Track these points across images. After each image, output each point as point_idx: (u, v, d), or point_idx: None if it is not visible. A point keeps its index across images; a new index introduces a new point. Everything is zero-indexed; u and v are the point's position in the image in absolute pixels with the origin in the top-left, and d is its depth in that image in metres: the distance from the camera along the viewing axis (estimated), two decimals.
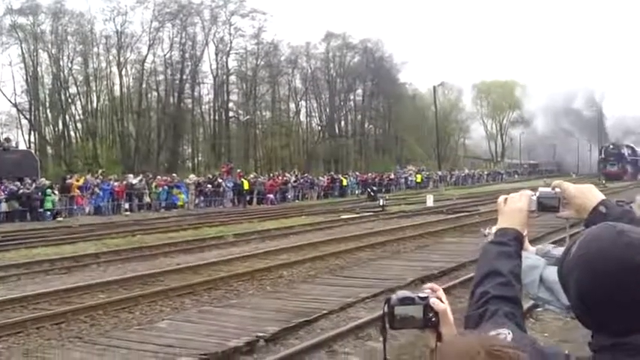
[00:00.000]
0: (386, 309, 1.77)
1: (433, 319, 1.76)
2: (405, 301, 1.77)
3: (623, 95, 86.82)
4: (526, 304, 2.31)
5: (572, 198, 2.14)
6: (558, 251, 2.35)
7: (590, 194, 2.12)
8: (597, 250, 1.56)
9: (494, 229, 2.19)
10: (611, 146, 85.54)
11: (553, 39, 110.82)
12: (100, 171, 42.15)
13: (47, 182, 35.19)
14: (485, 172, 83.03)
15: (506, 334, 1.67)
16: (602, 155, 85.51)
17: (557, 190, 2.17)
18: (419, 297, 1.77)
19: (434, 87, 76.14)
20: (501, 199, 2.16)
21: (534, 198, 2.15)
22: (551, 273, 2.20)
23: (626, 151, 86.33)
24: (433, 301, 1.77)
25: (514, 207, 2.11)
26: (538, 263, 2.26)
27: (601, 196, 2.12)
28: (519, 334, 1.70)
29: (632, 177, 79.25)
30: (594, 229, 1.65)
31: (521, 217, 2.09)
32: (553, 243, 2.59)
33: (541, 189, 2.19)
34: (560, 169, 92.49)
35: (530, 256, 2.27)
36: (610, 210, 2.05)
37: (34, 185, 33.56)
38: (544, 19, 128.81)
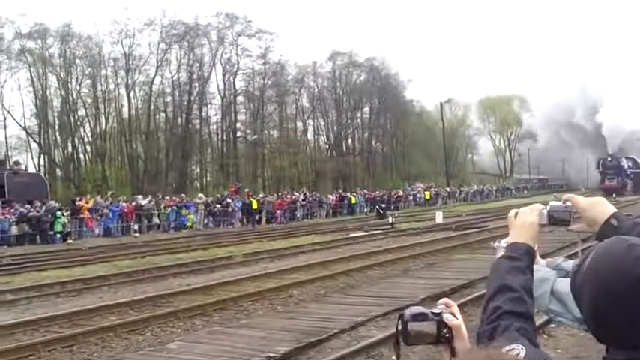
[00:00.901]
0: (399, 325, 1.76)
1: (447, 335, 1.75)
2: (418, 317, 1.76)
3: (621, 104, 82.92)
4: (539, 320, 2.31)
5: (583, 211, 2.12)
6: (568, 264, 2.32)
7: (601, 207, 2.10)
8: (608, 264, 1.56)
9: (503, 241, 2.19)
10: (609, 159, 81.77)
11: (553, 51, 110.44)
12: (109, 193, 42.30)
13: (57, 205, 35.34)
14: (494, 188, 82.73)
15: (519, 349, 1.66)
16: (600, 168, 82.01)
17: (568, 203, 2.15)
18: (432, 312, 1.76)
19: (440, 104, 76.33)
20: (512, 213, 2.15)
21: (545, 212, 2.14)
22: (563, 285, 2.17)
23: (625, 164, 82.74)
24: (447, 316, 1.76)
25: (525, 221, 2.10)
26: (549, 275, 2.22)
27: (612, 209, 2.10)
28: (532, 350, 1.69)
29: (635, 191, 75.32)
30: (605, 242, 1.65)
31: (532, 231, 2.08)
32: (567, 257, 2.57)
33: (552, 203, 2.19)
34: (568, 183, 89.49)
35: (541, 268, 2.26)
36: (621, 223, 2.04)
37: (44, 208, 33.70)
38: (544, 33, 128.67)
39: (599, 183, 79.43)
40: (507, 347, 1.67)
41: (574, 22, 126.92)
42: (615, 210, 2.11)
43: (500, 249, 2.18)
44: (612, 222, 2.05)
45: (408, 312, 1.77)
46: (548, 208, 2.16)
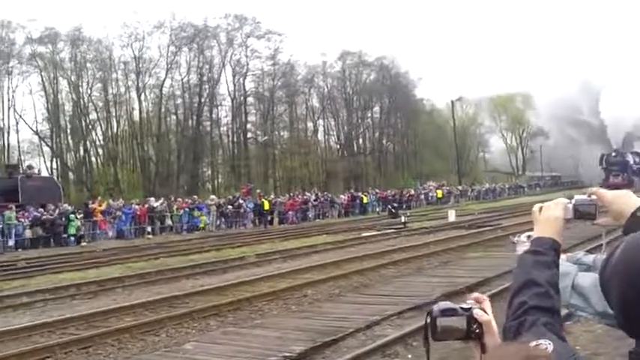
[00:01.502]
0: (428, 320, 1.74)
1: (477, 331, 1.74)
2: (447, 312, 1.74)
3: (622, 95, 77.89)
4: None
5: (609, 204, 2.11)
6: (589, 258, 2.36)
7: (627, 200, 2.09)
8: (637, 257, 1.54)
9: (523, 236, 2.20)
10: (613, 154, 77.49)
11: (554, 46, 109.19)
12: (122, 196, 42.49)
13: (70, 208, 35.50)
14: (507, 186, 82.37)
15: (546, 344, 1.65)
16: (604, 164, 77.70)
17: (594, 197, 2.14)
18: (462, 308, 1.75)
19: (452, 102, 76.09)
20: (536, 207, 2.14)
21: (570, 206, 2.13)
22: (584, 280, 2.21)
23: (631, 159, 78.76)
24: (477, 311, 1.74)
25: (550, 215, 2.09)
26: (570, 270, 2.24)
27: (639, 202, 2.08)
28: (560, 345, 1.68)
29: None
30: (634, 235, 1.63)
31: (557, 225, 2.06)
32: (588, 251, 2.58)
33: (577, 196, 2.18)
34: (581, 180, 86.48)
35: (562, 263, 2.25)
36: None
37: (57, 211, 33.86)
38: (547, 28, 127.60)
39: (603, 180, 73.19)
40: (534, 342, 1.66)
41: (574, 15, 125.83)
42: None
43: (521, 243, 2.19)
44: (639, 214, 2.03)
45: (436, 307, 1.76)
46: (573, 201, 2.15)
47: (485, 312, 1.76)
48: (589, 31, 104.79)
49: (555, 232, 2.05)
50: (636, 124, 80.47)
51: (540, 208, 2.13)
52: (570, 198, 2.19)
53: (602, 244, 2.42)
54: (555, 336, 1.74)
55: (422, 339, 1.77)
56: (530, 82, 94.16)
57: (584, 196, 2.17)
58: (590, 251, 2.78)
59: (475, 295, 1.85)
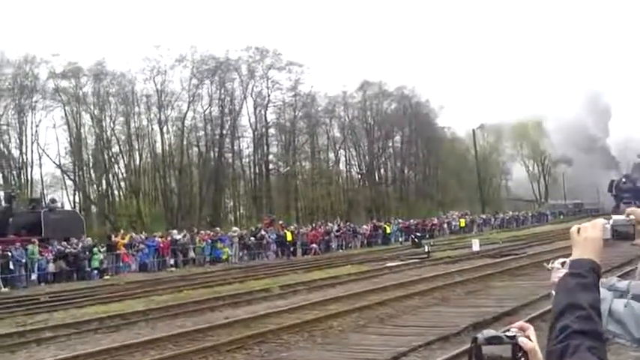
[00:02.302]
0: (473, 349, 1.73)
1: (522, 358, 1.72)
2: (493, 341, 1.73)
3: (630, 117, 75.80)
4: None
5: None
6: (623, 284, 2.33)
7: None
8: None
9: (557, 262, 2.21)
10: (623, 180, 74.78)
11: (568, 72, 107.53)
12: (144, 229, 42.63)
13: (91, 241, 35.58)
14: (530, 214, 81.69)
15: None
16: (614, 192, 74.98)
17: (632, 217, 2.12)
18: (507, 336, 1.73)
19: (473, 130, 75.92)
20: (574, 228, 2.11)
21: (608, 226, 2.10)
22: (619, 306, 2.20)
23: None
24: (522, 339, 1.72)
25: (588, 236, 2.05)
26: (606, 296, 2.20)
27: None
28: None
29: None
30: None
31: (596, 246, 2.03)
32: (629, 271, 2.53)
33: (615, 217, 2.15)
34: (604, 207, 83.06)
35: None
36: None
37: (80, 245, 33.96)
38: (563, 54, 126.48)
39: (614, 208, 69.41)
40: None
41: (584, 37, 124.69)
42: None
43: (556, 270, 2.18)
44: None
45: (481, 335, 1.74)
46: (611, 222, 2.12)
47: (530, 340, 1.74)
48: (597, 54, 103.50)
49: (594, 253, 2.02)
50: None
51: (578, 230, 2.09)
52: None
53: (638, 267, 2.45)
54: None
55: None
56: (542, 108, 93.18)
57: (622, 217, 2.15)
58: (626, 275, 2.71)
59: (519, 323, 1.83)
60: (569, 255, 2.11)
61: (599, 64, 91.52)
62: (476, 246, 38.00)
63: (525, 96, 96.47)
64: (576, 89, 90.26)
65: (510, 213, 77.79)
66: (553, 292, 2.06)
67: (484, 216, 70.53)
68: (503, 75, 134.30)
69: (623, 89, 78.87)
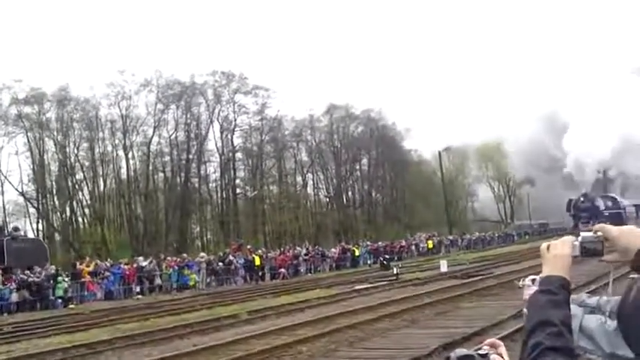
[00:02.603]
0: None
1: None
2: (465, 359, 1.74)
3: (587, 134, 73.73)
4: None
5: (615, 241, 2.10)
6: (593, 300, 2.32)
7: (634, 236, 2.08)
8: None
9: (527, 280, 2.20)
10: (581, 199, 72.72)
11: (526, 93, 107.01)
12: (109, 256, 42.09)
13: (54, 269, 34.94)
14: (496, 235, 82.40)
15: None
16: (572, 211, 73.02)
17: (600, 233, 2.13)
18: (479, 354, 1.75)
19: (439, 152, 76.53)
20: (544, 246, 2.14)
21: (577, 243, 2.13)
22: (591, 321, 2.20)
23: (602, 204, 73.30)
24: (494, 357, 1.75)
25: (558, 253, 2.08)
26: (577, 312, 2.20)
27: None
28: None
29: None
30: None
31: (565, 263, 2.06)
32: (596, 288, 2.55)
33: (583, 234, 2.17)
34: (568, 227, 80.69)
35: None
36: None
37: (43, 273, 33.34)
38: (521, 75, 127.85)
39: (572, 228, 68.31)
40: None
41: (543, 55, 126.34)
42: None
43: (527, 287, 2.18)
44: None
45: (454, 355, 1.75)
46: (580, 239, 2.14)
47: (502, 357, 1.77)
48: (554, 72, 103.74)
49: (564, 270, 2.05)
50: (605, 164, 77.37)
51: (548, 247, 2.12)
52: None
53: (609, 282, 2.47)
54: None
55: None
56: (502, 130, 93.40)
57: (590, 234, 2.16)
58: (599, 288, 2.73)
59: (491, 340, 1.87)
60: (539, 272, 2.12)
61: (555, 83, 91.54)
62: (444, 267, 38.15)
63: (487, 118, 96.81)
64: (533, 109, 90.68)
65: (477, 234, 78.42)
66: (525, 309, 2.05)
67: (451, 237, 70.96)
68: (467, 97, 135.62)
69: (579, 107, 78.88)
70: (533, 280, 2.15)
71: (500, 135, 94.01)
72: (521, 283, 2.25)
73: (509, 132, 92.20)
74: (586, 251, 2.13)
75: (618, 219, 64.52)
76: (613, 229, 2.13)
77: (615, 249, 2.11)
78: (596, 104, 76.18)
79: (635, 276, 1.87)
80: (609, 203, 73.08)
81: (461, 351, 1.77)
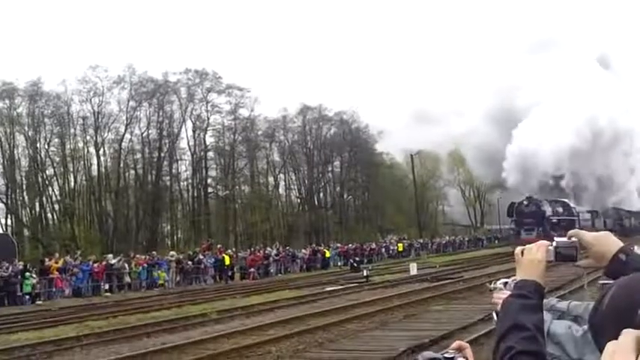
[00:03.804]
0: None
1: None
2: None
3: (533, 130, 65.45)
4: None
5: (590, 246, 2.13)
6: (563, 305, 2.37)
7: (608, 242, 2.11)
8: (628, 302, 1.52)
9: (499, 283, 2.20)
10: (525, 202, 59.85)
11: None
12: (78, 252, 41.70)
13: (21, 265, 34.53)
14: (466, 239, 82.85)
15: None
16: (514, 216, 60.76)
17: (574, 239, 2.16)
18: (445, 357, 1.76)
19: (411, 156, 76.71)
20: (518, 250, 2.15)
21: (551, 248, 2.15)
22: (559, 327, 2.22)
23: (549, 209, 60.67)
24: None
25: (532, 258, 2.10)
26: (546, 317, 2.18)
27: (619, 243, 2.10)
28: None
29: None
30: (624, 279, 1.63)
31: (539, 268, 2.08)
32: (569, 292, 2.58)
33: (557, 239, 2.19)
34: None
35: None
36: (630, 257, 2.04)
37: (10, 268, 32.93)
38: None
39: (514, 235, 59.50)
40: None
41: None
42: (622, 244, 2.11)
43: (498, 290, 2.19)
44: (621, 256, 2.05)
45: (421, 358, 1.76)
46: (554, 244, 2.16)
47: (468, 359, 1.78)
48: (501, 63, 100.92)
49: (538, 274, 2.06)
50: (556, 165, 67.50)
51: (522, 251, 2.13)
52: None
53: (583, 285, 2.47)
54: None
55: None
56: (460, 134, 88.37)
57: (565, 239, 2.19)
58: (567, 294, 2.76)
59: (457, 342, 1.87)
60: (510, 276, 2.15)
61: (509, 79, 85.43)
62: (413, 270, 38.39)
63: (454, 121, 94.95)
64: (485, 109, 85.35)
65: (447, 238, 78.78)
66: (494, 313, 2.08)
67: (421, 240, 71.29)
68: (438, 100, 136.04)
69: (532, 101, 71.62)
70: (505, 284, 2.15)
71: (456, 139, 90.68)
72: (492, 285, 2.25)
73: (464, 136, 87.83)
74: (560, 256, 2.15)
75: (570, 227, 51.56)
76: (587, 235, 2.16)
77: (589, 255, 2.14)
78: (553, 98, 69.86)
79: (608, 282, 1.85)
80: (559, 209, 62.67)
81: (428, 354, 1.78)
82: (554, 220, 59.03)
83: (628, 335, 1.31)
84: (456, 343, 1.85)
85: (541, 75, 73.95)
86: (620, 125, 73.20)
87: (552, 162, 66.70)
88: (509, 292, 2.06)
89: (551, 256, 2.14)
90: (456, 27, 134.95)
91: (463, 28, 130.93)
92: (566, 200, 65.64)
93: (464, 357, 1.77)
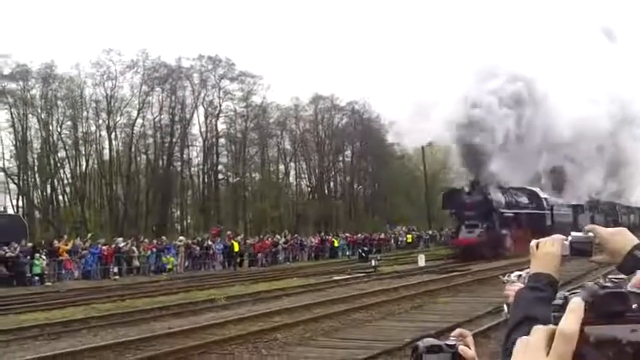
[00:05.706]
0: (413, 357, 1.75)
1: None
2: (433, 349, 1.75)
3: None
4: None
5: (605, 242, 2.12)
6: (560, 294, 2.34)
7: (624, 238, 2.11)
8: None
9: (513, 275, 2.26)
10: (466, 190, 45.77)
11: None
12: (88, 235, 41.90)
13: (30, 245, 34.72)
14: None
15: None
16: (452, 209, 48.27)
17: (590, 234, 2.16)
18: (447, 344, 1.76)
19: (422, 147, 76.37)
20: (534, 243, 2.16)
21: (567, 242, 2.15)
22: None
23: (500, 199, 46.23)
24: (462, 348, 1.75)
25: (547, 251, 2.11)
26: None
27: (635, 240, 2.09)
28: None
29: (517, 248, 37.57)
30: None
31: (554, 261, 2.09)
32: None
33: (573, 233, 2.20)
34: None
35: None
36: None
37: (18, 249, 33.11)
38: None
39: (453, 233, 48.57)
40: None
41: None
42: (638, 241, 2.10)
43: (511, 283, 2.23)
44: (636, 253, 2.04)
45: (422, 344, 1.76)
46: (570, 238, 2.17)
47: (469, 348, 1.77)
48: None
49: (553, 268, 2.07)
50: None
51: (537, 244, 2.14)
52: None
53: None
54: None
55: None
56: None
57: (581, 233, 2.19)
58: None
59: (459, 330, 1.87)
60: (523, 269, 2.16)
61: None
62: (422, 261, 38.37)
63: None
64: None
65: None
66: (505, 305, 2.09)
67: (430, 232, 71.18)
68: (449, 93, 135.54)
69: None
70: (519, 276, 2.19)
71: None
72: (505, 278, 2.29)
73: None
74: (575, 251, 2.16)
75: (539, 222, 46.02)
76: (603, 231, 2.16)
77: (604, 250, 2.13)
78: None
79: (619, 277, 1.84)
80: (522, 199, 49.80)
81: (429, 340, 1.79)
82: (509, 214, 45.77)
83: (539, 332, 1.28)
84: (457, 331, 1.85)
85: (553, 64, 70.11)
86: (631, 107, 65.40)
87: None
88: (522, 285, 2.07)
89: (566, 251, 2.15)
90: (468, 21, 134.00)
91: (475, 21, 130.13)
92: (534, 189, 52.77)
93: (465, 345, 1.76)
